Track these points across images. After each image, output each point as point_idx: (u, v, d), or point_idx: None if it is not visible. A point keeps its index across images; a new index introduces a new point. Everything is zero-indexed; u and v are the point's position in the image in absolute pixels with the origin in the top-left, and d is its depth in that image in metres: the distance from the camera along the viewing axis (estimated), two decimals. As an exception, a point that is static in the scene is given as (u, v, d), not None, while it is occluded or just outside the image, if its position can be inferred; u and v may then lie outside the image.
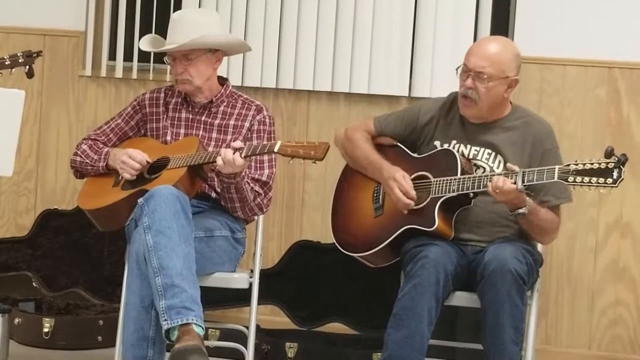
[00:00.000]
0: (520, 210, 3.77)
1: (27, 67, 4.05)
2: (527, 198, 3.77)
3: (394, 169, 3.98)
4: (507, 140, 3.95)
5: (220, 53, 4.14)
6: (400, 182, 3.92)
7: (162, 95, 4.21)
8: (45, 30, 5.17)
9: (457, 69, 3.95)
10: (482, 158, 3.96)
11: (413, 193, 3.90)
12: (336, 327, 4.74)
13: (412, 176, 3.95)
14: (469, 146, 3.98)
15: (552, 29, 4.78)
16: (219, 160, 3.80)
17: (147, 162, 4.00)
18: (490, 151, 3.96)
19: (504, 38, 4.20)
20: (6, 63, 4.01)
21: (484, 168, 3.94)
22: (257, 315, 4.11)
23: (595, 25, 4.73)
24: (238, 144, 3.83)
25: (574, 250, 4.79)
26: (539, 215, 3.84)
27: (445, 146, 4.00)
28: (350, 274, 4.55)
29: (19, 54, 4.05)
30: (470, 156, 3.97)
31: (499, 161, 3.94)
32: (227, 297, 4.60)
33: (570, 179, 3.61)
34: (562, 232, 4.15)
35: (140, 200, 3.76)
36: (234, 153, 3.78)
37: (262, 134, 4.11)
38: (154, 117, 4.18)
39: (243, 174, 3.90)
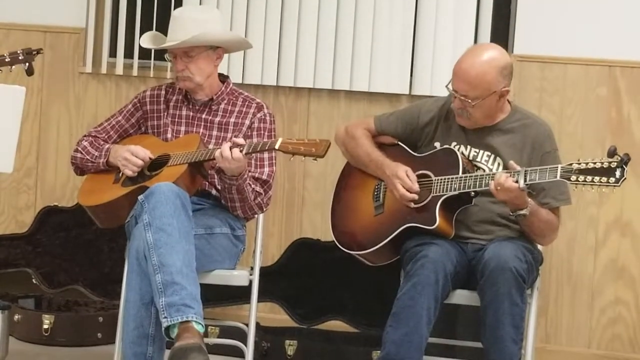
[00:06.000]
0: (522, 212, 3.76)
1: (27, 64, 4.03)
2: (529, 199, 3.77)
3: (396, 165, 3.97)
4: (505, 142, 3.94)
5: (221, 50, 4.14)
6: (403, 179, 3.91)
7: (163, 92, 4.21)
8: (46, 27, 5.17)
9: (446, 87, 3.89)
10: (481, 160, 3.95)
11: (416, 187, 3.89)
12: (336, 324, 4.74)
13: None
14: (469, 147, 3.97)
15: (552, 28, 4.77)
16: (217, 153, 3.79)
17: (150, 158, 4.00)
18: (489, 153, 3.95)
19: (489, 49, 3.89)
20: (6, 60, 3.99)
21: (484, 170, 3.93)
22: (256, 313, 4.11)
23: (596, 24, 4.73)
24: (240, 140, 3.83)
25: (573, 248, 4.79)
26: (540, 217, 3.83)
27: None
28: (350, 272, 4.54)
29: (18, 52, 4.02)
30: (470, 158, 3.96)
31: (498, 164, 3.93)
32: (227, 294, 4.61)
33: (573, 177, 3.59)
34: (562, 230, 4.15)
35: (140, 197, 3.76)
36: (233, 149, 3.78)
37: (262, 132, 4.10)
38: (155, 115, 4.18)
39: (245, 175, 3.90)
